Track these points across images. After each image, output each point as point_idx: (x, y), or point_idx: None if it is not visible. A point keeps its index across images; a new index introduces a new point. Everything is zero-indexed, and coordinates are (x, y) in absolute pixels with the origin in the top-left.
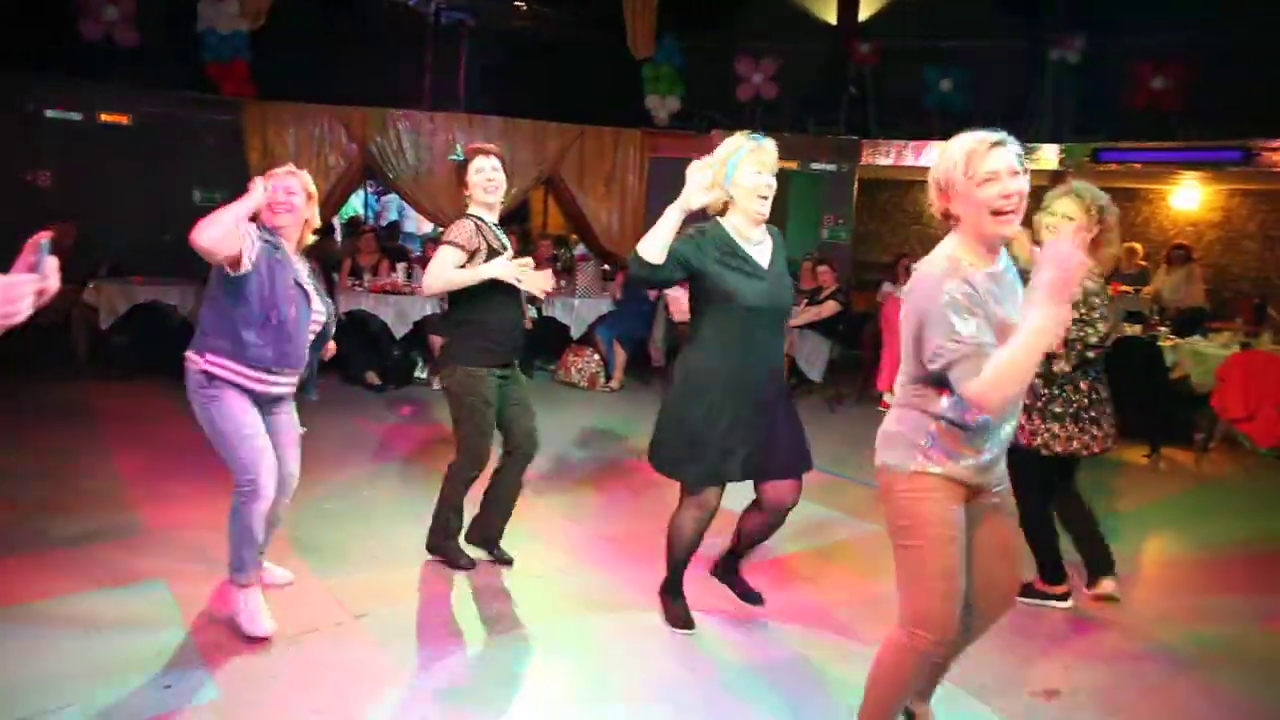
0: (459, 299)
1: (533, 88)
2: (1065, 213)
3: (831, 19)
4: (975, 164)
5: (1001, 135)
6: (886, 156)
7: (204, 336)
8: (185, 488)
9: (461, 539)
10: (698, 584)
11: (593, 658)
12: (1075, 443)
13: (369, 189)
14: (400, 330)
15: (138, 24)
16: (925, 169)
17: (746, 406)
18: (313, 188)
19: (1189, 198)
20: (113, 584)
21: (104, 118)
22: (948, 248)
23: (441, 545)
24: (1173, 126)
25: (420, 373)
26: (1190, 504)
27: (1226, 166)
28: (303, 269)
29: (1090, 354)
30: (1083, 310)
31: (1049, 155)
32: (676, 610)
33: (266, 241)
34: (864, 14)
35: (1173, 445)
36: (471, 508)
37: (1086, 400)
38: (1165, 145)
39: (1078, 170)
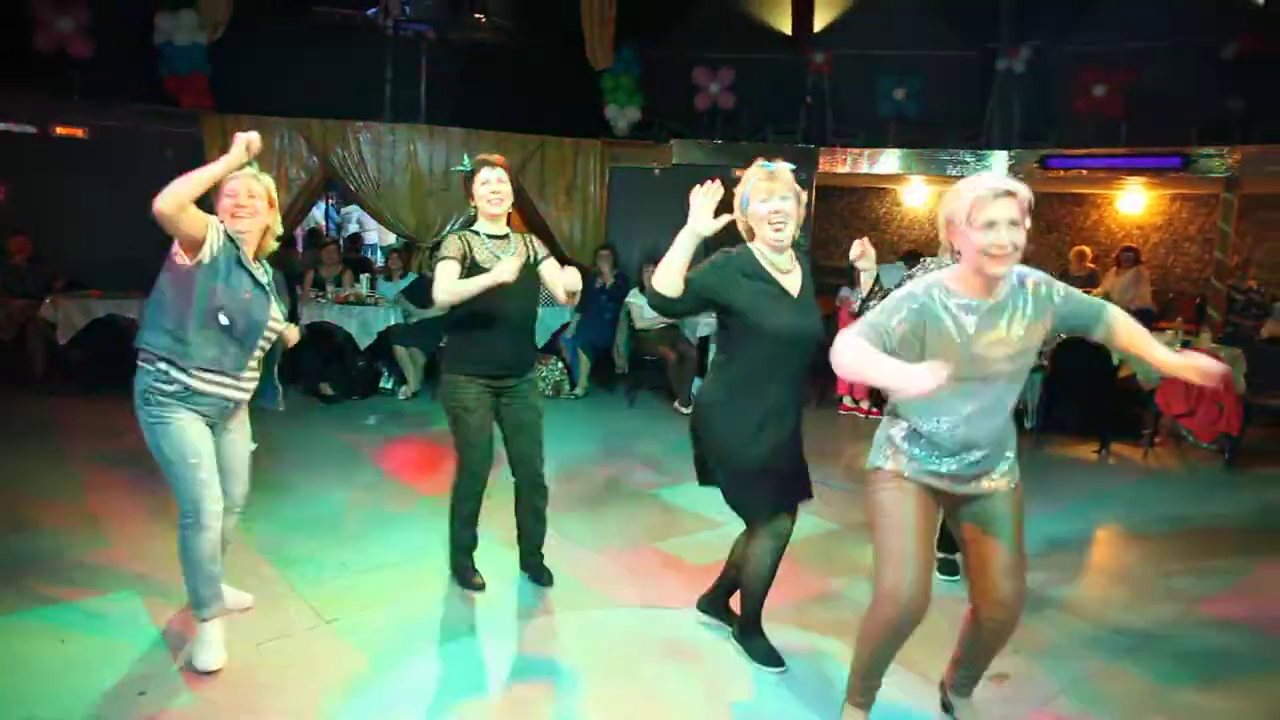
0: (453, 310)
1: (493, 99)
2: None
3: (787, 29)
4: (977, 212)
5: (1011, 186)
6: (844, 164)
7: (143, 330)
8: (150, 499)
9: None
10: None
11: (564, 656)
12: None
13: (329, 201)
14: (364, 341)
15: (93, 35)
16: (881, 175)
17: (784, 432)
18: (275, 194)
19: (1134, 202)
20: (84, 595)
21: (59, 131)
22: (940, 277)
23: (452, 561)
24: (1116, 134)
25: (385, 383)
26: (1135, 495)
27: (1166, 173)
28: (262, 274)
29: None
30: None
31: (999, 162)
32: (759, 649)
33: (230, 240)
34: (819, 24)
35: (1121, 441)
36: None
37: None
38: (1109, 152)
39: (1027, 177)
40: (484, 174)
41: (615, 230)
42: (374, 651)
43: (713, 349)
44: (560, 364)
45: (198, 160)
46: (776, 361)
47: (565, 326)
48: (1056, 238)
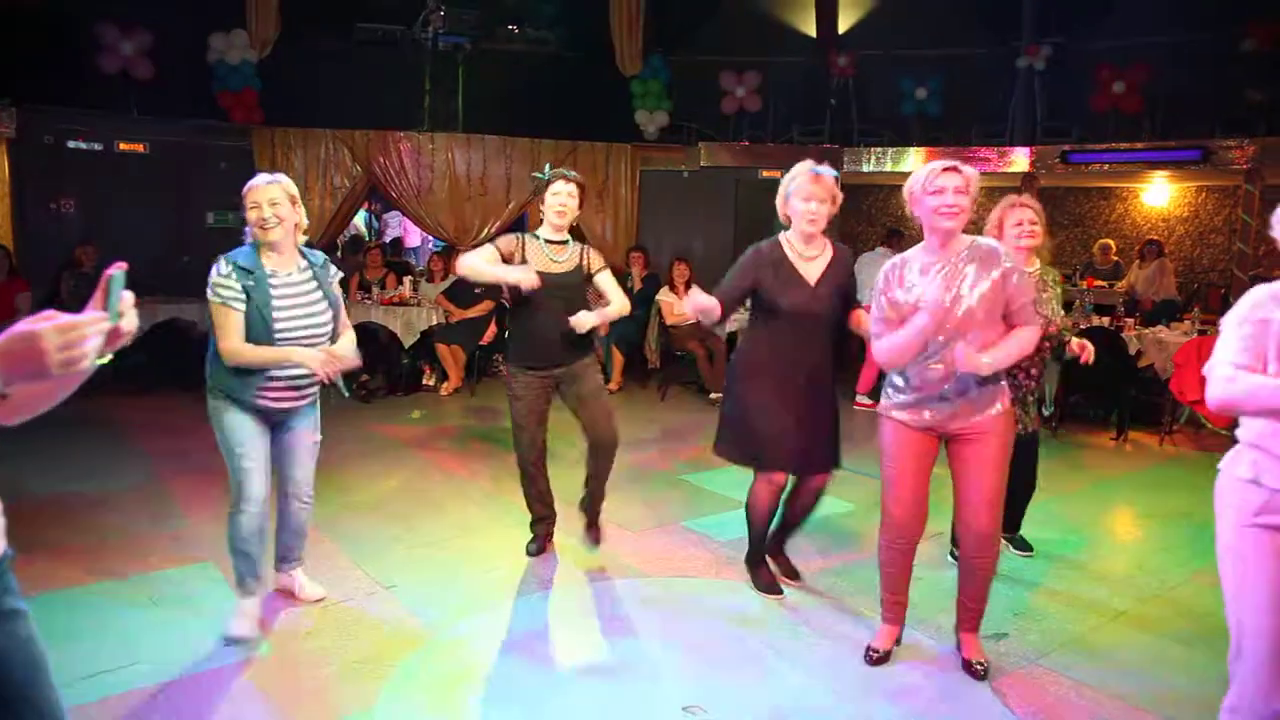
0: (513, 313)
1: (527, 107)
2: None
3: (811, 31)
4: (929, 181)
5: (954, 164)
6: (869, 163)
7: (208, 364)
8: (215, 486)
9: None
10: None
11: (604, 619)
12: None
13: (368, 208)
14: (408, 340)
15: (151, 57)
16: (906, 174)
17: (789, 401)
18: (294, 190)
19: (1159, 194)
20: (167, 566)
21: (122, 147)
22: (909, 252)
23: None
24: (1137, 128)
25: (428, 380)
26: (1151, 479)
27: (1187, 165)
28: (302, 277)
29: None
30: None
31: (1021, 158)
32: (761, 577)
33: (240, 268)
34: (843, 26)
35: (1139, 429)
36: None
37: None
38: (1129, 146)
39: (1048, 172)
40: (557, 185)
41: (646, 230)
42: (431, 612)
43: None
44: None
45: (249, 171)
46: (788, 335)
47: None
48: (1082, 231)
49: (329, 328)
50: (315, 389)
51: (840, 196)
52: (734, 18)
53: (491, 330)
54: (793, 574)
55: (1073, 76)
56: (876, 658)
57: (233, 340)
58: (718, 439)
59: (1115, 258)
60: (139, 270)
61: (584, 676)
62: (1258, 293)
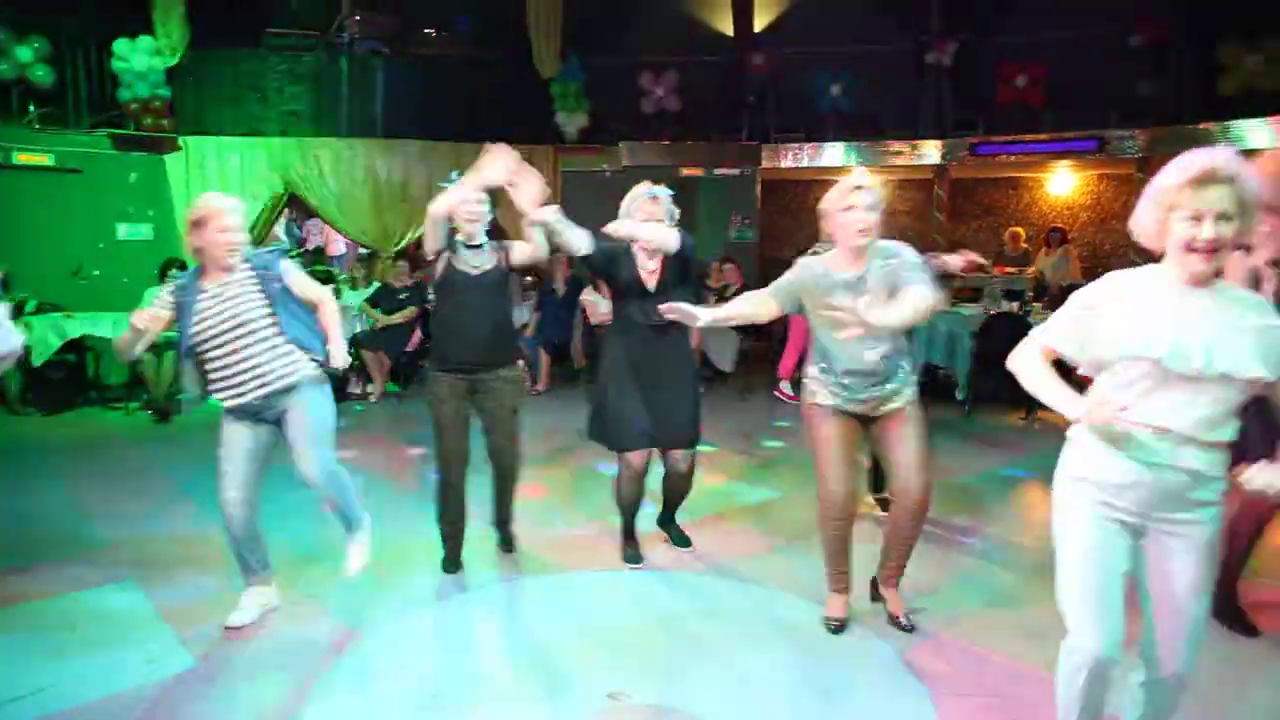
0: (434, 312)
1: (448, 111)
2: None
3: (728, 31)
4: (842, 200)
5: (862, 181)
6: (787, 159)
7: None
8: (136, 503)
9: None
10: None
11: (525, 615)
12: None
13: (288, 216)
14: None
15: (52, 63)
16: (824, 168)
17: (645, 388)
18: (242, 208)
19: (1063, 183)
20: (86, 586)
21: (22, 158)
22: (823, 255)
23: (441, 538)
24: (1039, 120)
25: (354, 388)
26: (1056, 455)
27: (1084, 155)
28: (251, 290)
29: None
30: None
31: (932, 151)
32: (628, 550)
33: (179, 287)
34: (759, 25)
35: (1047, 409)
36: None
37: None
38: (1032, 138)
39: (959, 163)
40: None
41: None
42: (353, 618)
43: None
44: (521, 361)
45: (161, 181)
46: (637, 329)
47: (525, 326)
48: (993, 220)
49: (264, 320)
50: (277, 378)
51: (676, 212)
52: (651, 19)
53: (416, 336)
54: (685, 542)
55: (979, 72)
56: (837, 625)
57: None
58: (588, 424)
59: (1024, 245)
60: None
61: (506, 672)
62: (1109, 279)
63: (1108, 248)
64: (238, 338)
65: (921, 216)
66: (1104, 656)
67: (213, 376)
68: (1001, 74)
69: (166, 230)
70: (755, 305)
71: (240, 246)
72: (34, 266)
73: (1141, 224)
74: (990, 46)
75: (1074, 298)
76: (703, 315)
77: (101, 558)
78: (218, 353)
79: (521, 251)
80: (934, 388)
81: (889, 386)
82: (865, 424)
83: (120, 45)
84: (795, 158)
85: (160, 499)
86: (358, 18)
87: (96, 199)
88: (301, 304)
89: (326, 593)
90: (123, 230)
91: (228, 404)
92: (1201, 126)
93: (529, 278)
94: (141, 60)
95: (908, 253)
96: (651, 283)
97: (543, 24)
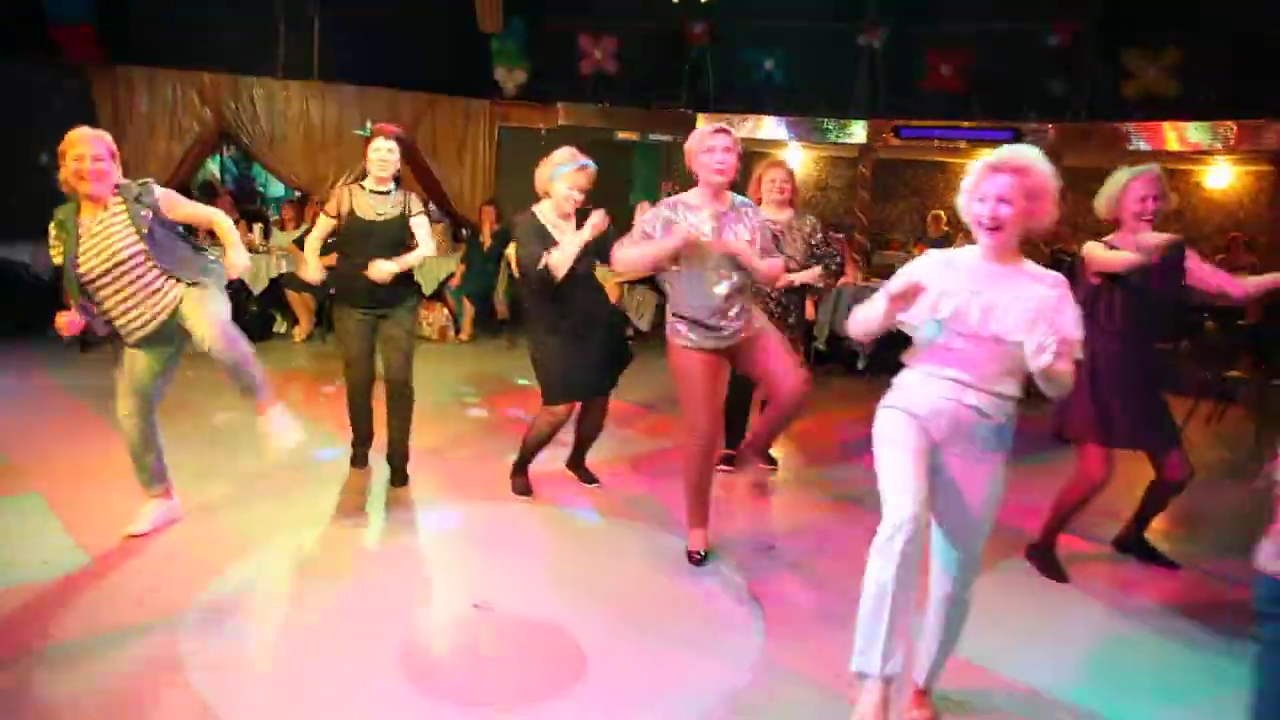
0: (339, 256)
1: (385, 57)
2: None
3: None
4: (703, 143)
5: (724, 126)
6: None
7: None
8: (56, 426)
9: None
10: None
11: (410, 537)
12: None
13: (226, 154)
14: (257, 287)
15: None
16: (759, 140)
17: (577, 342)
18: (114, 147)
19: None
20: None
21: None
22: (685, 195)
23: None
24: (964, 108)
25: (279, 327)
26: None
27: (1001, 144)
28: (110, 215)
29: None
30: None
31: (860, 130)
32: (519, 482)
33: (59, 223)
34: None
35: None
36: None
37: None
38: (953, 125)
39: (884, 145)
40: (377, 142)
41: (503, 187)
42: (247, 534)
43: None
44: (446, 311)
45: (88, 111)
46: (568, 288)
47: (451, 277)
48: (919, 201)
49: (137, 256)
50: (152, 318)
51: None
52: None
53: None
54: (592, 479)
55: (905, 57)
56: (699, 558)
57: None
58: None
59: (946, 228)
60: None
61: (384, 585)
62: (932, 255)
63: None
64: (115, 278)
65: (850, 193)
66: (916, 513)
67: (102, 313)
68: (928, 61)
69: None
70: (654, 253)
71: (92, 177)
72: None
73: (959, 205)
74: (920, 34)
75: (903, 269)
76: (618, 256)
77: (9, 475)
78: (103, 293)
79: (419, 223)
80: (843, 358)
81: (738, 318)
82: (729, 358)
83: None
84: (735, 127)
85: (74, 421)
86: None
87: (20, 127)
88: (179, 232)
89: (227, 509)
90: (45, 158)
91: (115, 335)
92: (1106, 125)
93: (464, 230)
94: None
95: (764, 224)
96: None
97: None
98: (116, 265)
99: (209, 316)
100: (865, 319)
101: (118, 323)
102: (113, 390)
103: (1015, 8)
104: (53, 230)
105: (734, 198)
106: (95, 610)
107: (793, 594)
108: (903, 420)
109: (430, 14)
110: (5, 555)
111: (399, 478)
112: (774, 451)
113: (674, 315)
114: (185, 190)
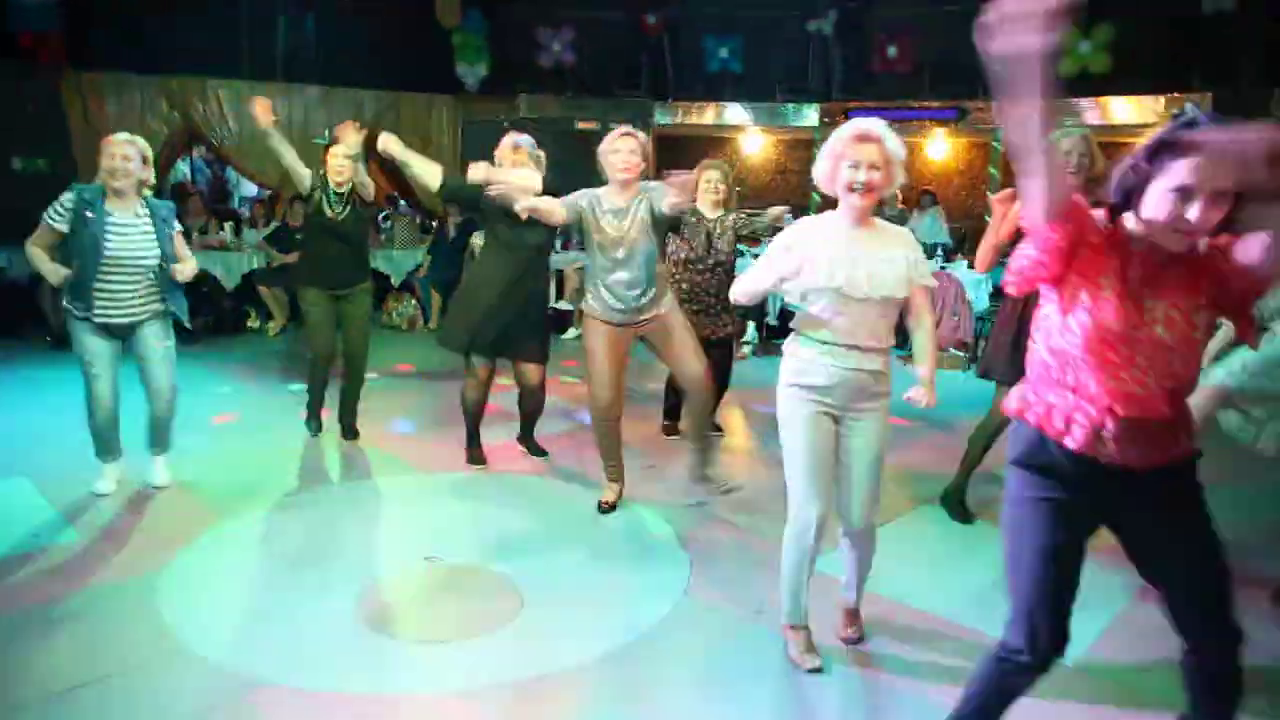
0: (304, 244)
1: (348, 57)
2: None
3: None
4: (610, 144)
5: (629, 129)
6: (684, 115)
7: (63, 293)
8: (29, 419)
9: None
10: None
11: (366, 498)
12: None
13: (197, 155)
14: (229, 283)
15: None
16: (718, 125)
17: (503, 305)
18: (149, 152)
19: (939, 149)
20: None
21: None
22: (599, 189)
23: (308, 413)
24: (916, 89)
25: (253, 322)
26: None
27: (948, 123)
28: (138, 221)
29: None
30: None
31: (813, 114)
32: (472, 453)
33: (83, 199)
34: None
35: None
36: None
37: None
38: (901, 105)
39: (835, 127)
40: (334, 149)
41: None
42: (225, 497)
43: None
44: (414, 300)
45: (58, 115)
46: (506, 257)
47: (419, 268)
48: None
49: (153, 262)
50: (149, 307)
51: (541, 156)
52: None
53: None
54: (540, 452)
55: (855, 41)
56: (606, 508)
57: (33, 241)
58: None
59: (901, 206)
60: None
61: (342, 542)
62: (800, 225)
63: (979, 210)
64: (128, 271)
65: (808, 175)
66: (822, 514)
67: (91, 289)
68: (876, 43)
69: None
70: (550, 205)
71: (122, 174)
72: None
73: (820, 171)
74: (871, 18)
75: (775, 240)
76: (521, 202)
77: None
78: (111, 277)
79: (363, 190)
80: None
81: (644, 298)
82: (637, 337)
83: None
84: (686, 115)
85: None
86: None
87: None
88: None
89: (206, 478)
90: (18, 163)
91: (95, 319)
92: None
93: (434, 222)
94: None
95: (659, 186)
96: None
97: None
98: (134, 261)
99: (164, 360)
100: (750, 290)
101: (99, 303)
102: (82, 382)
103: None
104: (71, 200)
105: (641, 185)
106: (82, 573)
107: (716, 540)
108: (806, 412)
109: (394, 13)
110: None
111: (350, 432)
112: (718, 419)
113: (589, 289)
114: (158, 193)
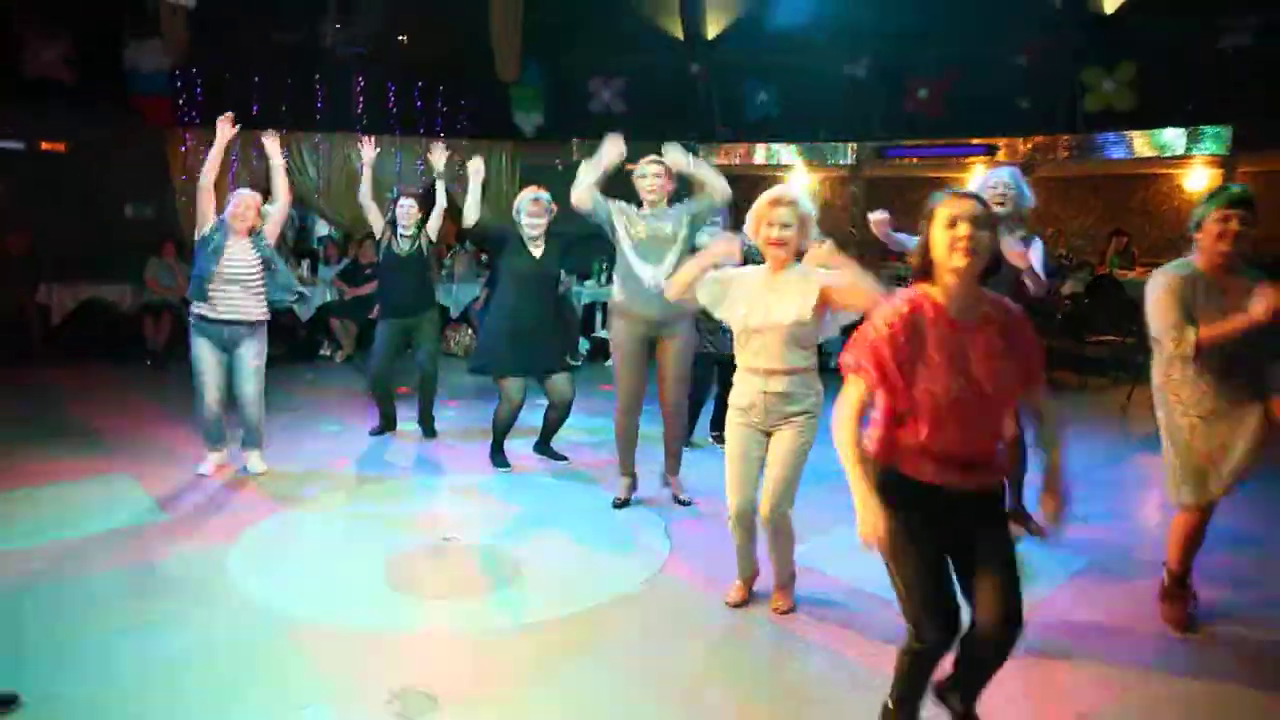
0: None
1: (417, 108)
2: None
3: (679, 35)
4: (638, 172)
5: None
6: (728, 157)
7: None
8: (132, 426)
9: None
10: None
11: (416, 490)
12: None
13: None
14: (305, 315)
15: (73, 63)
16: (761, 165)
17: (519, 333)
18: (261, 204)
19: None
20: (92, 475)
21: (45, 146)
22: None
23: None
24: (951, 127)
25: (325, 351)
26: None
27: (979, 158)
28: (251, 250)
29: None
30: None
31: (848, 152)
32: (497, 458)
33: (215, 230)
34: (710, 33)
35: None
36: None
37: None
38: (931, 143)
39: (870, 164)
40: (402, 200)
41: None
42: (297, 488)
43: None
44: (470, 330)
45: (163, 168)
46: (520, 288)
47: (476, 300)
48: (908, 219)
49: (257, 275)
50: (252, 321)
51: (554, 208)
52: (604, 27)
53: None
54: (559, 457)
55: (888, 84)
56: (620, 503)
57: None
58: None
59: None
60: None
61: (374, 524)
62: (735, 270)
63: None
64: (236, 278)
65: (846, 210)
66: (749, 508)
67: (211, 292)
68: (908, 87)
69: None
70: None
71: (241, 219)
72: (54, 240)
73: (748, 228)
74: (904, 61)
75: (713, 273)
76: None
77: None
78: (224, 283)
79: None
80: None
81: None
82: (652, 343)
83: (132, 47)
84: (737, 155)
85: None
86: (338, 26)
87: (107, 183)
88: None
89: (273, 469)
90: (129, 210)
91: (207, 314)
92: (1068, 137)
93: (481, 255)
94: (149, 62)
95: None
96: (537, 251)
97: (504, 31)
98: (243, 273)
99: (255, 377)
100: (678, 285)
101: (213, 299)
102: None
103: (988, 33)
104: (210, 229)
105: (666, 207)
106: (164, 544)
107: (697, 532)
108: (737, 428)
109: (456, 69)
110: (111, 516)
111: (430, 431)
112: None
113: (616, 284)
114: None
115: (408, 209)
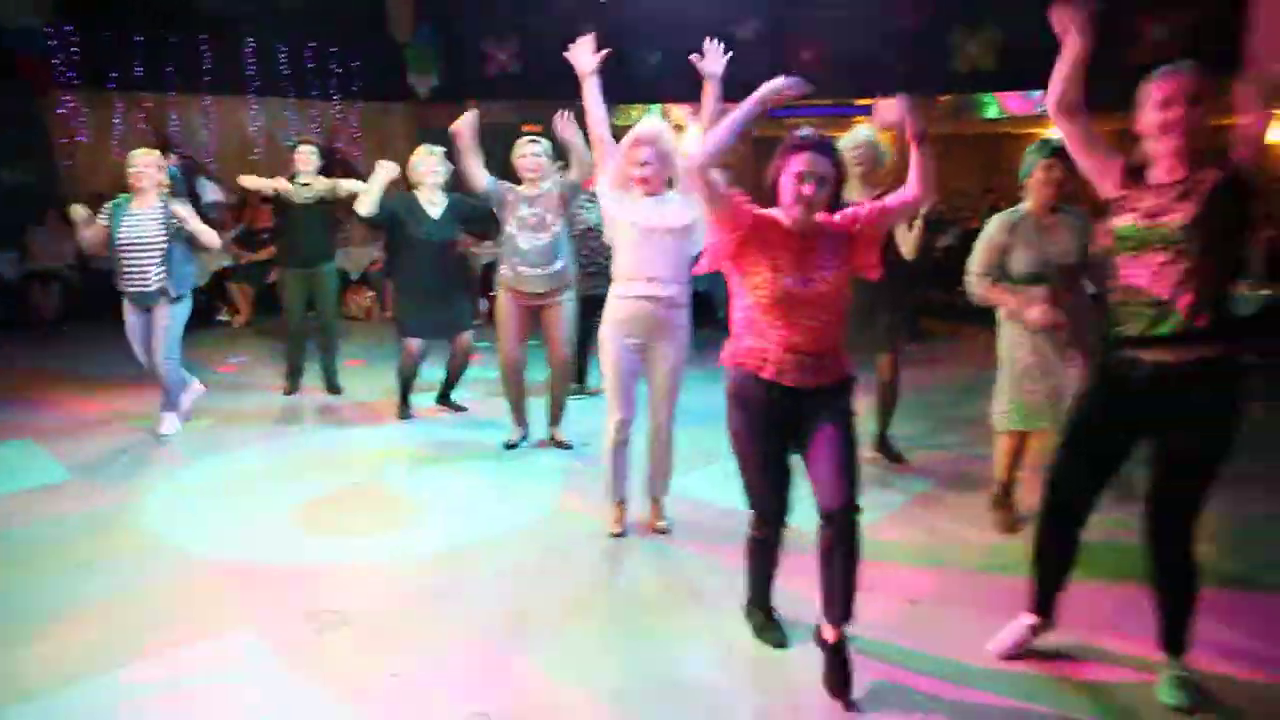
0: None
1: (307, 70)
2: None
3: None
4: (518, 150)
5: (534, 139)
6: (622, 118)
7: None
8: (33, 393)
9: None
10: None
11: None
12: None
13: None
14: (202, 280)
15: None
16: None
17: (423, 295)
18: (162, 162)
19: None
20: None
21: None
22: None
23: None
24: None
25: (222, 316)
26: None
27: (862, 118)
28: (152, 213)
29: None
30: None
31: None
32: (400, 409)
33: (115, 205)
34: None
35: None
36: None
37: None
38: (817, 103)
39: (757, 124)
40: (300, 148)
41: None
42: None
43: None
44: (371, 292)
45: (40, 131)
46: (422, 251)
47: (375, 262)
48: None
49: (162, 240)
50: (154, 285)
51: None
52: None
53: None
54: (460, 409)
55: (777, 46)
56: (510, 445)
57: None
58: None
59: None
60: None
61: (288, 471)
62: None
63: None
64: (135, 245)
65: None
66: (628, 418)
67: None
68: (791, 48)
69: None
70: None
71: (136, 180)
72: None
73: (620, 168)
74: (793, 20)
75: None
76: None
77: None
78: (125, 255)
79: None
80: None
81: (551, 271)
82: (535, 313)
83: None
84: (624, 116)
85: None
86: None
87: None
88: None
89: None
90: (4, 175)
91: (126, 289)
92: (940, 99)
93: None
94: (24, 17)
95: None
96: (435, 214)
97: None
98: (143, 240)
99: (163, 334)
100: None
101: (124, 274)
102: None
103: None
104: (109, 206)
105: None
106: (79, 500)
107: (586, 471)
108: (614, 344)
109: (347, 29)
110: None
111: (333, 389)
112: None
113: (504, 260)
114: None
115: (306, 154)
